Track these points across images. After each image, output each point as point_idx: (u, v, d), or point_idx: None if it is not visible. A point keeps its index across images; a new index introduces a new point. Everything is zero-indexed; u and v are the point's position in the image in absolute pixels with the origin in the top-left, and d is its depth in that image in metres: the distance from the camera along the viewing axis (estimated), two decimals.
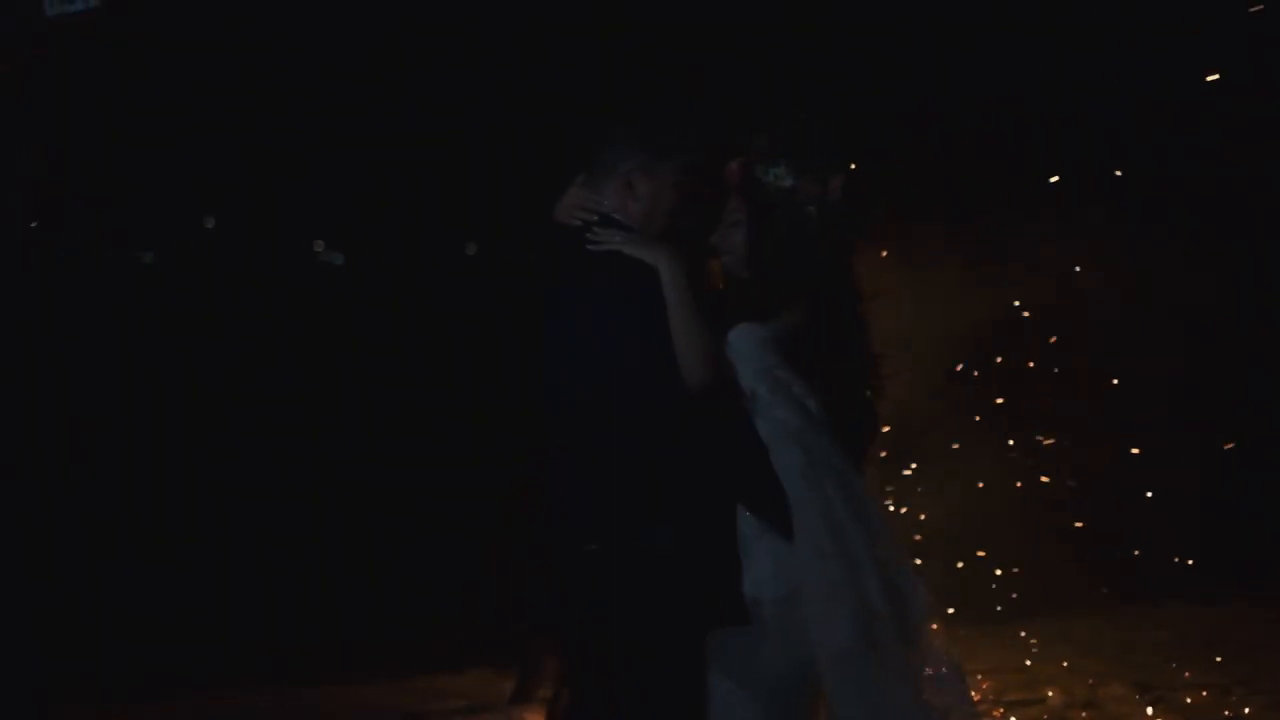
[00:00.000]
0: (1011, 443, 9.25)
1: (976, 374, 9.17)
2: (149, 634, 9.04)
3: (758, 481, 3.99)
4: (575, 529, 4.08)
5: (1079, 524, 9.12)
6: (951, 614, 9.03)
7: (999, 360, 9.29)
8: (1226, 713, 7.48)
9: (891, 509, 9.27)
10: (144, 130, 8.76)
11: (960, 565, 9.24)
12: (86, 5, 4.93)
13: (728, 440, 4.00)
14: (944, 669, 4.11)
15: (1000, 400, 9.30)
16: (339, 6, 8.79)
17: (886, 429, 4.61)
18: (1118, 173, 8.97)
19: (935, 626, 4.15)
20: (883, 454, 8.07)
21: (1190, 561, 9.21)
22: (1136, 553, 9.24)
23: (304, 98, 8.98)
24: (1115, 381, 9.35)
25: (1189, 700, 7.72)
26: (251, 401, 9.37)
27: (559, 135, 5.50)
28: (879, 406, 4.39)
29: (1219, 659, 8.40)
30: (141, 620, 9.11)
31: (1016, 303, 9.04)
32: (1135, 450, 9.37)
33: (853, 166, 4.23)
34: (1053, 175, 8.87)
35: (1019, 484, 9.33)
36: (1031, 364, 9.40)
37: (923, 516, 9.18)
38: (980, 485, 9.29)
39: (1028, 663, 8.65)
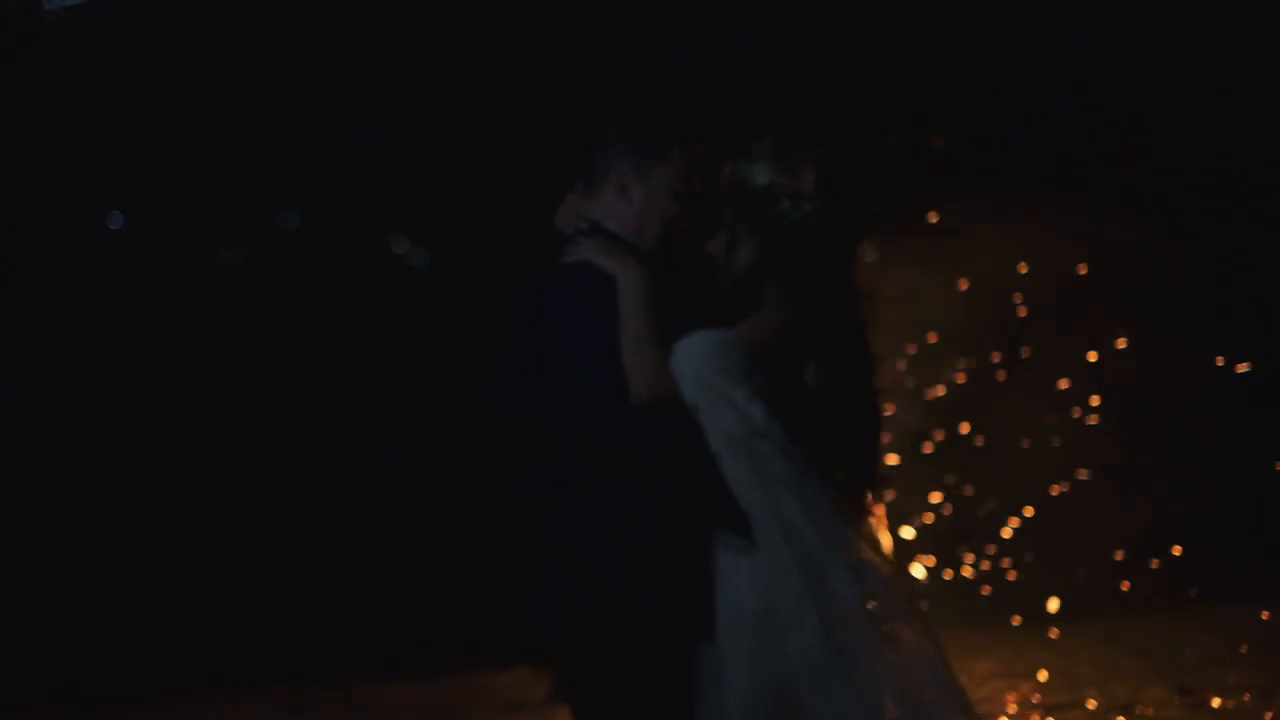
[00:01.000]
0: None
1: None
2: (190, 632, 9.14)
3: (712, 492, 3.98)
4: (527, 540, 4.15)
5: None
6: (996, 615, 9.11)
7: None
8: (1269, 715, 7.37)
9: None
10: (140, 126, 8.86)
11: (1005, 565, 9.20)
12: None
13: (680, 451, 3.99)
14: (927, 666, 4.03)
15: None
16: (335, 8, 8.84)
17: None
18: None
19: (917, 623, 4.06)
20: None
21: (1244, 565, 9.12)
22: (1179, 553, 9.14)
23: (294, 95, 9.03)
24: (1220, 361, 9.25)
25: (1230, 704, 7.60)
26: (286, 400, 9.44)
27: (558, 141, 5.51)
28: (880, 410, 4.31)
29: (1265, 662, 8.26)
30: (184, 619, 9.22)
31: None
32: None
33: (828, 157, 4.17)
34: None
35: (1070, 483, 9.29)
36: (1094, 355, 9.37)
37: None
38: (1028, 484, 9.26)
39: (1071, 665, 8.55)
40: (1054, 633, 8.93)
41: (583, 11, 8.86)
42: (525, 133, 8.79)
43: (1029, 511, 9.24)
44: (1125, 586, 9.22)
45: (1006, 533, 9.21)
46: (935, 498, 9.30)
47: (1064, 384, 9.28)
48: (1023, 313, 9.23)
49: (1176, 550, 9.20)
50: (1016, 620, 9.19)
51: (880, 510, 4.27)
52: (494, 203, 8.85)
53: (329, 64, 9.09)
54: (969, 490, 9.29)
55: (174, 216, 9.40)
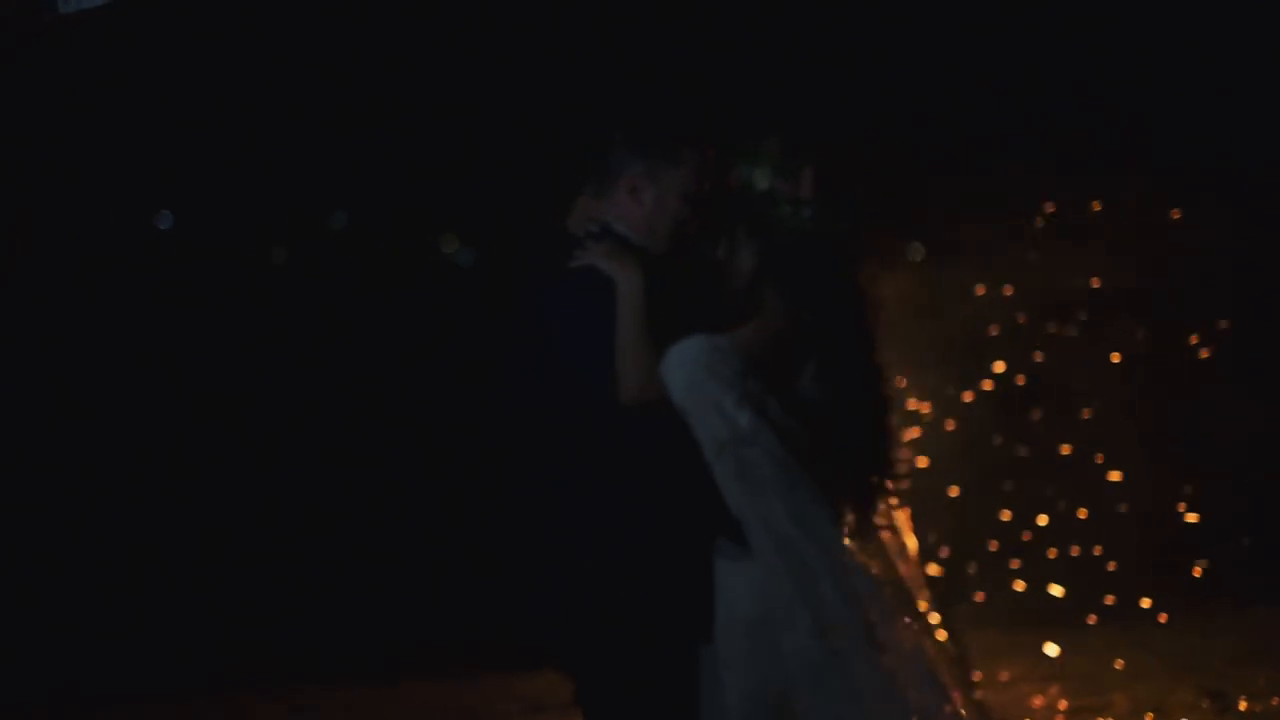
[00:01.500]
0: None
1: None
2: (192, 632, 9.10)
3: (706, 496, 3.97)
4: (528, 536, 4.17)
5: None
6: (1028, 617, 9.03)
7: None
8: None
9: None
10: (141, 125, 8.85)
11: (1033, 565, 9.12)
12: None
13: (679, 452, 3.97)
14: (918, 669, 4.00)
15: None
16: (343, 10, 8.83)
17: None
18: None
19: (907, 625, 4.05)
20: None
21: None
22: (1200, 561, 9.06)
23: (308, 97, 9.03)
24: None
25: (1258, 708, 7.52)
26: (288, 400, 9.43)
27: (568, 142, 5.46)
28: (890, 419, 4.24)
29: None
30: (211, 617, 9.20)
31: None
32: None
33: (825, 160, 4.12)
34: None
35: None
36: (1117, 356, 9.28)
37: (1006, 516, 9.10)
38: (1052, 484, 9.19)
39: (1098, 667, 8.46)
40: (1083, 636, 8.80)
41: (595, 14, 8.84)
42: (532, 133, 8.78)
43: (1058, 515, 9.16)
44: (1154, 588, 9.13)
45: (1035, 533, 9.14)
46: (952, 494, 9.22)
47: (1086, 389, 9.21)
48: (1031, 319, 9.17)
49: (1205, 553, 9.12)
50: (1042, 623, 9.09)
51: (904, 515, 4.27)
52: (494, 203, 8.85)
53: (331, 65, 9.09)
54: (996, 493, 9.22)
55: (172, 216, 9.41)
